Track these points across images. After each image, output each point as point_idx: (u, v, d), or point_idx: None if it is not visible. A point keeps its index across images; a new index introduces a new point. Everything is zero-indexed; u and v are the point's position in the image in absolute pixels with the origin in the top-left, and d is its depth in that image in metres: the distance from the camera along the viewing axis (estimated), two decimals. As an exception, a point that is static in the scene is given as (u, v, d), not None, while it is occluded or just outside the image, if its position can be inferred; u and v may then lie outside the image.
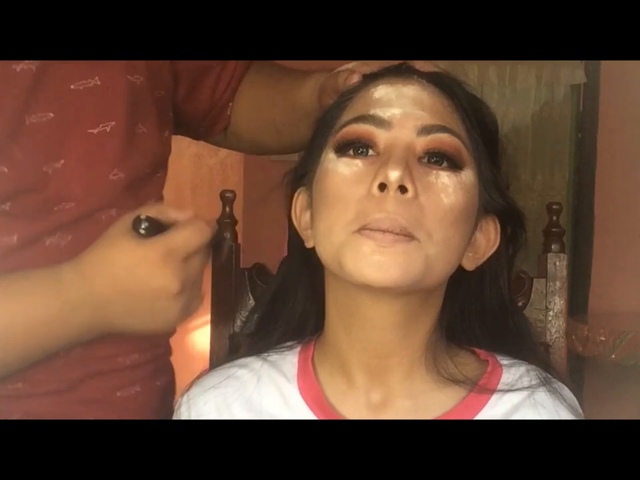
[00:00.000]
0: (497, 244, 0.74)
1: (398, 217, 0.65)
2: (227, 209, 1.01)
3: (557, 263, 0.98)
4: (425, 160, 0.69)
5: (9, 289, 0.74)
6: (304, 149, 0.80)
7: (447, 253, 0.68)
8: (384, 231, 0.65)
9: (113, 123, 0.83)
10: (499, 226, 0.75)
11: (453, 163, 0.69)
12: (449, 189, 0.68)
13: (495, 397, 0.72)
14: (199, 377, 0.80)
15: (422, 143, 0.69)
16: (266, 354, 0.79)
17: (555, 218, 1.00)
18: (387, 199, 0.66)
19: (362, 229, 0.66)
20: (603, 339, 2.28)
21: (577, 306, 2.70)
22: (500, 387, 0.72)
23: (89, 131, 0.82)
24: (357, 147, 0.70)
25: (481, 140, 0.73)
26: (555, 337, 0.96)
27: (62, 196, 0.81)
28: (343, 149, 0.70)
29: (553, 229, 1.00)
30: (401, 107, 0.70)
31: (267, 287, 0.96)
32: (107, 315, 0.74)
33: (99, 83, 0.82)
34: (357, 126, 0.70)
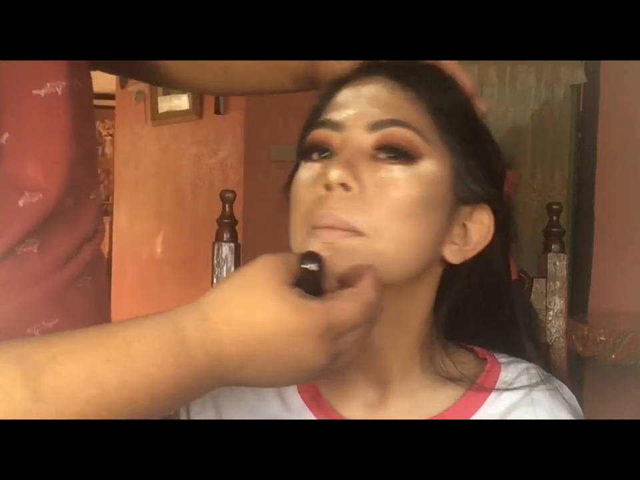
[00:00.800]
0: (491, 234, 0.73)
1: (340, 214, 0.66)
2: (227, 209, 1.01)
3: (557, 263, 0.98)
4: (382, 155, 0.69)
5: (122, 355, 0.55)
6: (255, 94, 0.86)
7: (402, 247, 0.68)
8: (328, 228, 0.67)
9: (63, 83, 0.69)
10: (492, 215, 0.73)
11: (407, 156, 0.69)
12: (400, 182, 0.68)
13: (492, 395, 0.72)
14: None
15: (372, 139, 0.70)
16: None
17: (554, 218, 1.00)
18: (331, 197, 0.67)
19: (312, 229, 0.68)
20: (603, 338, 2.28)
21: (577, 306, 2.70)
22: (498, 385, 0.72)
23: (34, 92, 0.68)
24: (319, 151, 0.72)
25: (452, 128, 0.72)
26: (554, 336, 0.96)
27: (20, 184, 0.67)
28: (307, 154, 0.73)
29: (553, 229, 1.00)
30: (356, 107, 0.72)
31: None
32: (235, 378, 0.59)
33: None
34: (317, 131, 0.72)
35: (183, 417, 0.77)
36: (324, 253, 0.63)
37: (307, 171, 0.71)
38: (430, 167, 0.69)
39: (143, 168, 3.65)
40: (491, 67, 2.83)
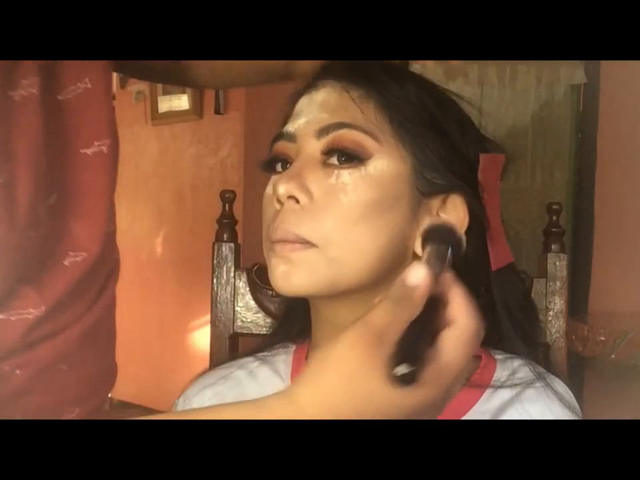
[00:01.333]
0: (467, 223, 0.72)
1: (290, 226, 0.67)
2: (227, 209, 1.01)
3: (557, 263, 0.98)
4: (333, 161, 0.69)
5: None
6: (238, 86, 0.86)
7: (356, 252, 0.67)
8: (281, 242, 0.67)
9: (109, 141, 0.70)
10: (465, 204, 0.72)
11: (357, 158, 0.69)
12: (349, 187, 0.68)
13: (488, 392, 0.72)
14: (197, 377, 0.80)
15: (321, 145, 0.70)
16: (261, 354, 0.79)
17: (554, 218, 1.00)
18: (283, 211, 0.68)
19: (270, 243, 0.69)
20: (603, 338, 2.28)
21: (577, 306, 2.70)
22: (493, 382, 0.72)
23: (82, 151, 0.69)
24: (282, 162, 0.73)
25: (406, 122, 0.71)
26: (555, 336, 0.96)
27: (64, 244, 0.68)
28: (271, 167, 0.74)
29: (553, 229, 1.00)
30: (307, 115, 0.72)
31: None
32: None
33: (89, 85, 0.69)
34: (276, 144, 0.73)
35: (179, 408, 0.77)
36: (281, 267, 0.65)
37: (270, 185, 0.72)
38: (382, 166, 0.69)
39: (143, 168, 3.65)
40: (491, 67, 2.83)
